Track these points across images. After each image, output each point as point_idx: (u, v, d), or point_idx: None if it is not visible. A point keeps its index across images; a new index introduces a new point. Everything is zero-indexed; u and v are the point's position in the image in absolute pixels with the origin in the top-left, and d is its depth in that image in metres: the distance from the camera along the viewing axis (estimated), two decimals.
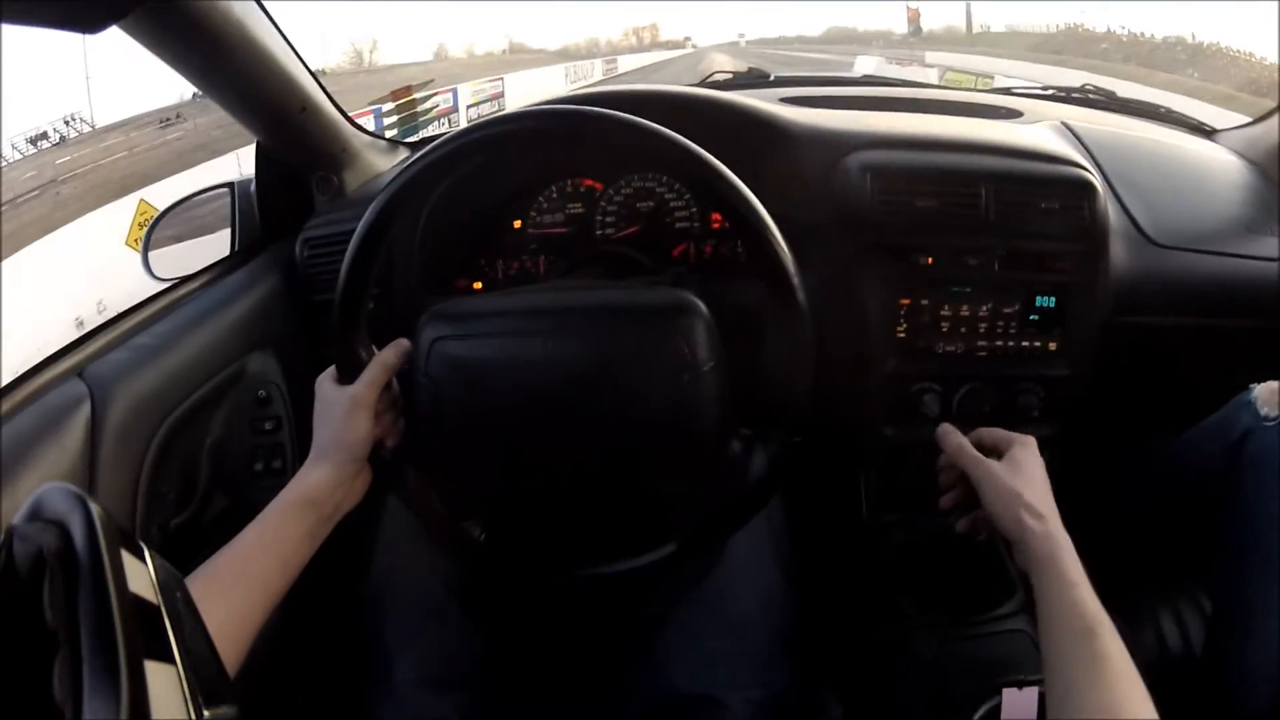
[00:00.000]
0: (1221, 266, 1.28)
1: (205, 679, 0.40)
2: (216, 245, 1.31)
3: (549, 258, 1.24)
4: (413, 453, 0.88)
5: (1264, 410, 1.10)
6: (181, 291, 1.17)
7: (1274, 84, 1.45)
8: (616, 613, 1.08)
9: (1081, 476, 1.26)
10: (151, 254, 1.26)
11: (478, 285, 1.24)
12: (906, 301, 1.15)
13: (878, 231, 1.12)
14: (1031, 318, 1.16)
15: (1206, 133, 1.67)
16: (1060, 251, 1.14)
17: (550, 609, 1.10)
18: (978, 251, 1.13)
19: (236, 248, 1.30)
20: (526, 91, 14.47)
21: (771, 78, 1.60)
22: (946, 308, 1.15)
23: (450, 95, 11.89)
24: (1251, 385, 1.13)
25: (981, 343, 1.17)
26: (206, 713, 0.38)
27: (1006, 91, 1.74)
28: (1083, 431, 1.24)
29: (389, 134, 1.54)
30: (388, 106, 9.93)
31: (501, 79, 14.75)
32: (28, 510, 0.38)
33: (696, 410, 0.80)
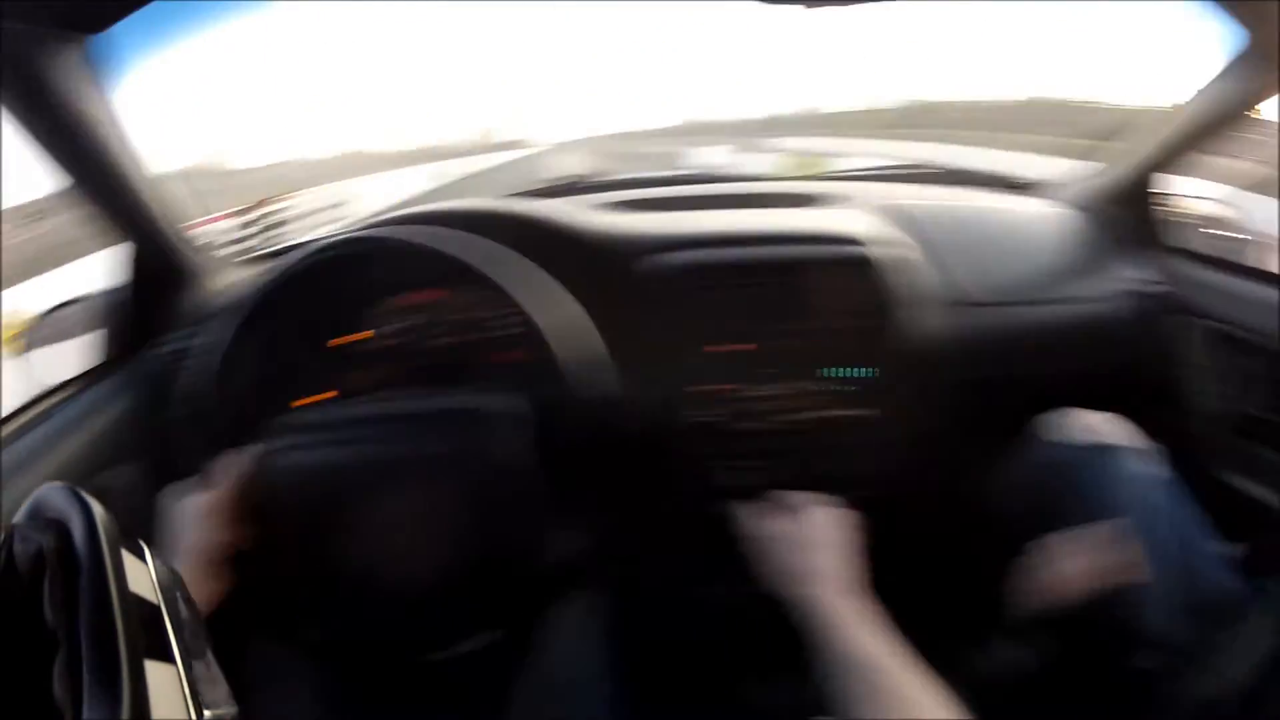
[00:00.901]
0: (1040, 314, 1.40)
1: (205, 679, 0.40)
2: (84, 353, 1.27)
3: (386, 368, 1.26)
4: (261, 556, 0.90)
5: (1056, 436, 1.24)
6: (53, 400, 1.15)
7: (1114, 130, 1.62)
8: (456, 695, 1.10)
9: (915, 524, 1.36)
10: (22, 360, 1.21)
11: (319, 398, 1.25)
12: (707, 386, 1.20)
13: (678, 327, 1.19)
14: (847, 389, 1.23)
15: (1032, 190, 1.81)
16: (868, 327, 1.22)
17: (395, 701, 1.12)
18: (780, 336, 1.20)
19: (105, 357, 1.27)
20: (371, 196, 14.47)
21: (593, 181, 1.66)
22: (746, 389, 1.21)
23: (297, 201, 11.92)
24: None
25: (784, 417, 1.22)
26: (207, 713, 0.39)
27: (838, 176, 1.83)
28: (915, 480, 1.32)
29: (243, 246, 1.56)
30: (241, 220, 9.82)
31: (346, 183, 14.71)
32: (28, 510, 0.39)
33: (509, 503, 0.88)
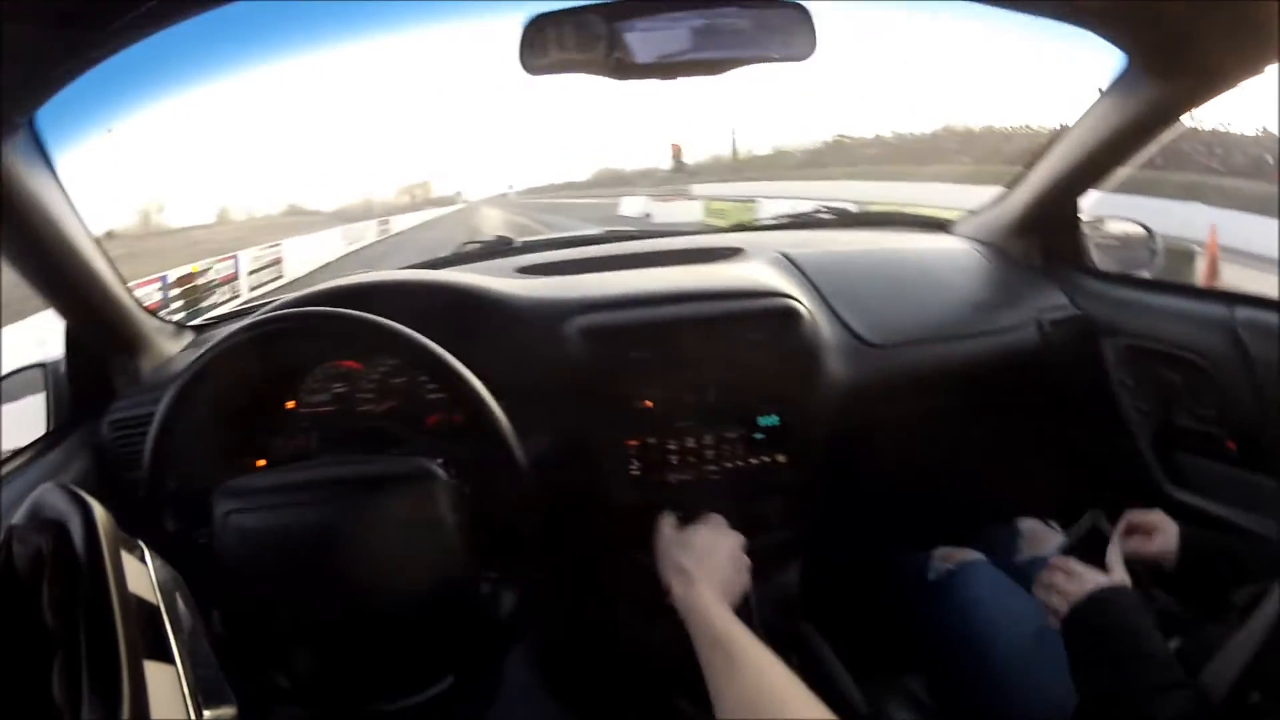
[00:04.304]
0: (940, 351, 1.48)
1: (205, 679, 0.40)
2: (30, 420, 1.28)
3: (320, 434, 1.28)
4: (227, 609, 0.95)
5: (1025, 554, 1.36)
6: (3, 471, 1.13)
7: (1016, 155, 1.69)
8: None
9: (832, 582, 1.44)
10: None
11: (261, 462, 1.26)
12: (635, 442, 1.25)
13: (598, 386, 1.24)
14: (757, 436, 1.29)
15: (941, 226, 1.89)
16: (773, 375, 1.29)
17: None
18: (694, 389, 1.27)
19: (51, 427, 1.27)
20: (303, 256, 14.42)
21: (516, 244, 1.71)
22: (673, 442, 1.26)
23: (232, 262, 12.00)
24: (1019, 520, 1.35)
25: (711, 468, 1.28)
26: (207, 713, 0.39)
27: (741, 227, 1.89)
28: (834, 544, 1.40)
29: (176, 316, 1.57)
30: (174, 292, 9.78)
31: (280, 244, 14.67)
32: (27, 511, 0.39)
33: (446, 560, 0.93)
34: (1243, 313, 1.37)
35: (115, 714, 0.32)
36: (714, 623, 0.88)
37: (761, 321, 1.30)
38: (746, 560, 1.07)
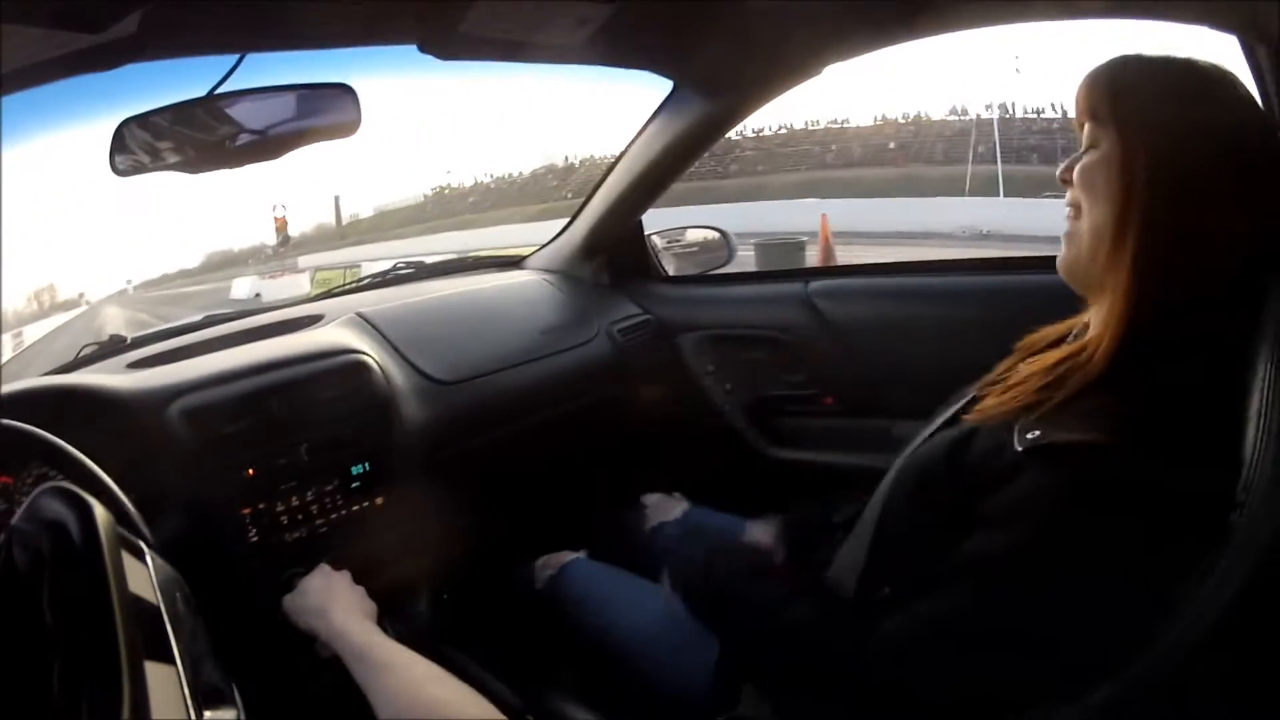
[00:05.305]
0: (514, 376, 1.67)
1: (205, 679, 0.42)
2: None
3: None
4: None
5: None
6: None
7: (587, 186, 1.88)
8: None
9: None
10: None
11: None
12: (248, 510, 1.31)
13: (204, 462, 1.28)
14: (354, 485, 1.41)
15: (516, 263, 2.09)
16: (355, 426, 1.42)
17: None
18: (285, 452, 1.35)
19: None
20: None
21: (128, 340, 1.67)
22: (280, 504, 1.34)
23: None
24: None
25: (320, 521, 1.38)
26: (207, 713, 0.40)
27: (325, 295, 1.94)
28: (460, 569, 1.59)
29: None
30: None
31: None
32: (27, 512, 0.39)
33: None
34: (814, 284, 1.69)
35: (115, 714, 0.33)
36: (354, 638, 0.94)
37: (335, 378, 1.42)
38: (363, 589, 1.17)
